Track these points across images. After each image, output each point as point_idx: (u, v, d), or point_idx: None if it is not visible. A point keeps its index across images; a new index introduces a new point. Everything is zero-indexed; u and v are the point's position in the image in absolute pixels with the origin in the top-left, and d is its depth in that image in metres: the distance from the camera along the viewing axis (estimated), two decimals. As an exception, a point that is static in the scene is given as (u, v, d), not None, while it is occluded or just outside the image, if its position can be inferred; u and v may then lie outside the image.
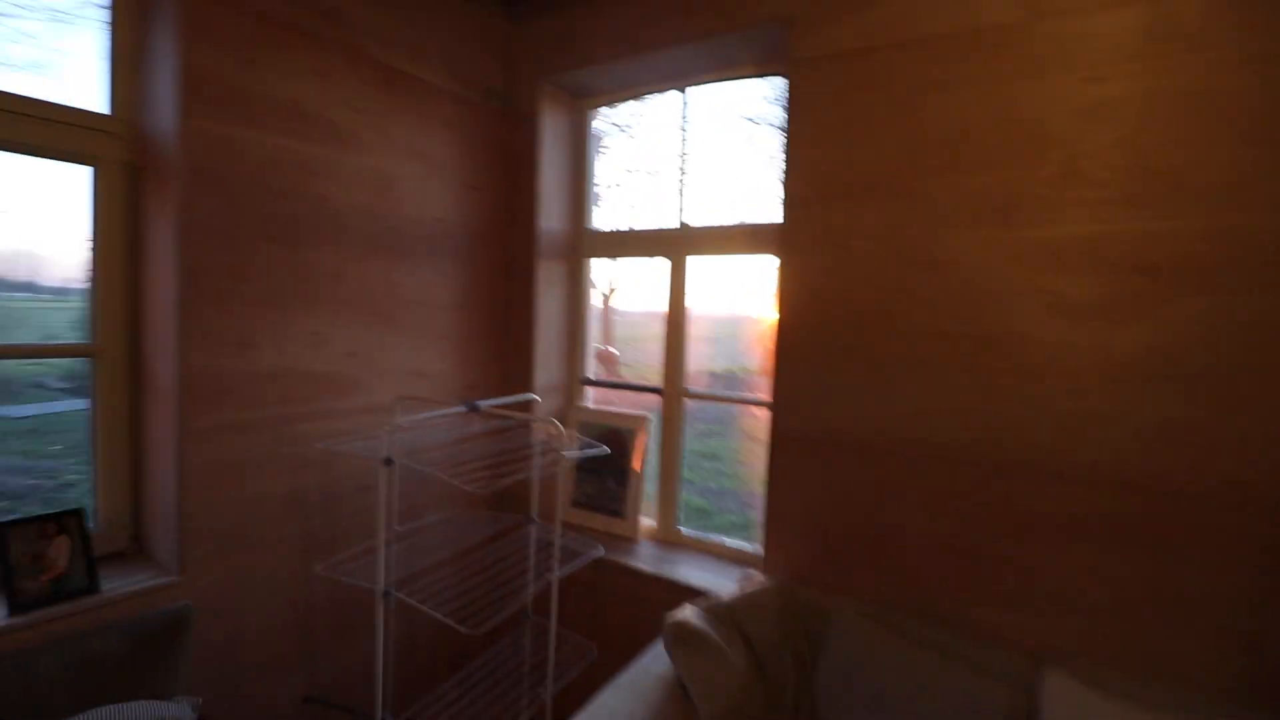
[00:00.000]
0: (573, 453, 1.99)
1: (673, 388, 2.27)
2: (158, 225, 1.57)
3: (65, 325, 1.68)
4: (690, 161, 2.30)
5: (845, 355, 1.72)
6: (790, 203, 1.79)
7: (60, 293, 1.72)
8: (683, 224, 2.26)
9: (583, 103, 2.48)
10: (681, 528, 2.28)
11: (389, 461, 1.53)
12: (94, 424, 1.61)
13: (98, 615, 1.42)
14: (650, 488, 2.33)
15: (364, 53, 1.88)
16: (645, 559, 2.11)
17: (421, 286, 2.10)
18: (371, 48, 1.90)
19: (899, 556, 1.65)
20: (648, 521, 2.33)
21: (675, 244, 2.26)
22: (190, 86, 1.51)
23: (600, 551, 1.88)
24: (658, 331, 2.30)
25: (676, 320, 2.26)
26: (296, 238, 1.75)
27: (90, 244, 1.58)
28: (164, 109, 1.54)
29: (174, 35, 1.50)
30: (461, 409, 1.68)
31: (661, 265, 2.30)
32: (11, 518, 1.40)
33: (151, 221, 1.59)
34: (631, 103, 2.44)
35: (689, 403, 2.28)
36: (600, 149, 2.59)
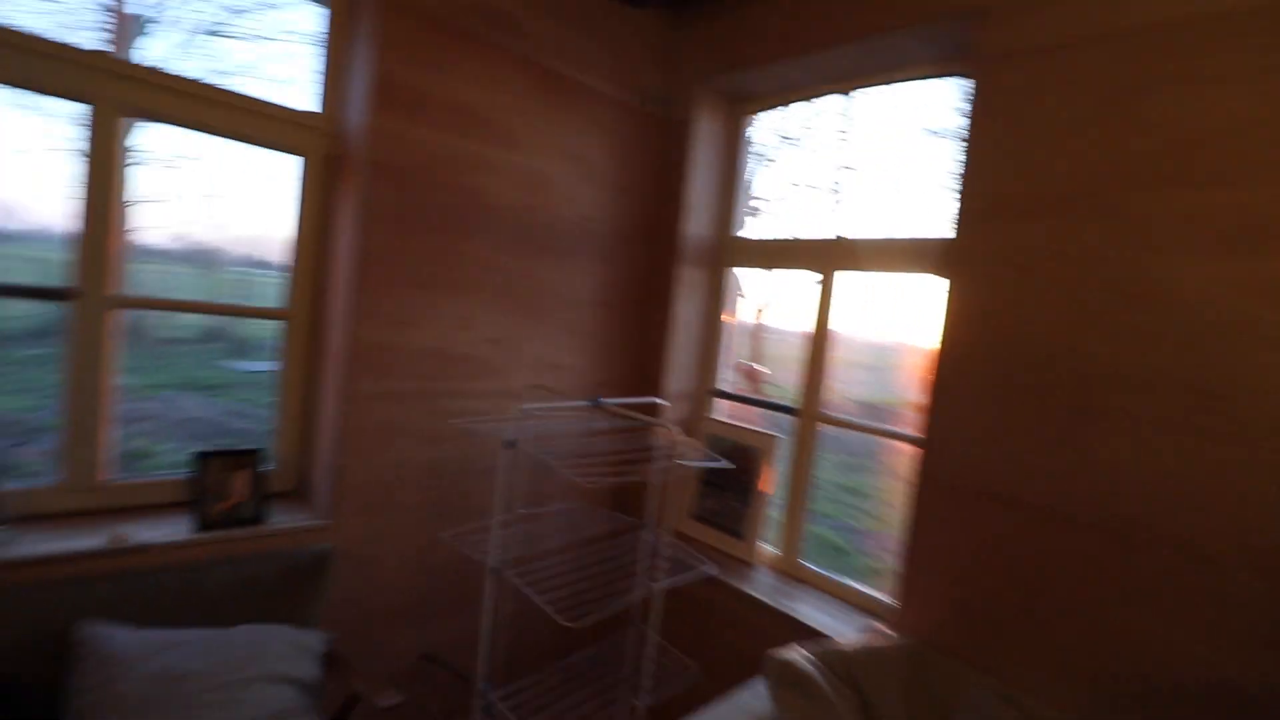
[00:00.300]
0: (692, 462, 1.93)
1: (809, 410, 2.12)
2: (344, 211, 1.78)
3: (276, 297, 1.96)
4: (850, 169, 2.14)
5: (1019, 396, 1.47)
6: (967, 217, 1.58)
7: (273, 271, 2.01)
8: (836, 236, 2.11)
9: (739, 107, 2.42)
10: (806, 561, 2.11)
11: (511, 444, 1.59)
12: (280, 379, 1.86)
13: (260, 543, 1.64)
14: (776, 513, 2.20)
15: (532, 59, 1.99)
16: (761, 587, 1.99)
17: (564, 282, 2.18)
18: (539, 54, 2.01)
19: (1059, 643, 1.37)
20: (769, 548, 2.20)
21: (826, 256, 2.11)
22: (380, 89, 1.70)
23: (711, 570, 1.80)
24: (800, 353, 2.16)
25: (820, 338, 2.11)
26: (455, 228, 1.89)
27: (294, 224, 1.83)
28: (357, 109, 1.74)
29: (371, 45, 1.69)
30: (586, 404, 1.70)
31: (812, 280, 2.16)
32: (210, 449, 1.66)
33: (339, 207, 1.81)
34: (790, 107, 2.34)
35: (830, 431, 2.11)
36: (755, 156, 2.51)
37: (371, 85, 1.69)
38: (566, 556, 1.92)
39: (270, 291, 1.90)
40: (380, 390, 1.79)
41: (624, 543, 2.11)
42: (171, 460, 1.85)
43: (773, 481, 2.17)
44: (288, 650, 1.41)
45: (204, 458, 1.63)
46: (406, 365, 1.84)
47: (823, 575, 2.04)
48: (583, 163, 2.18)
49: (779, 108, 2.36)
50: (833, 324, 2.10)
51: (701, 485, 2.33)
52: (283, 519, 1.71)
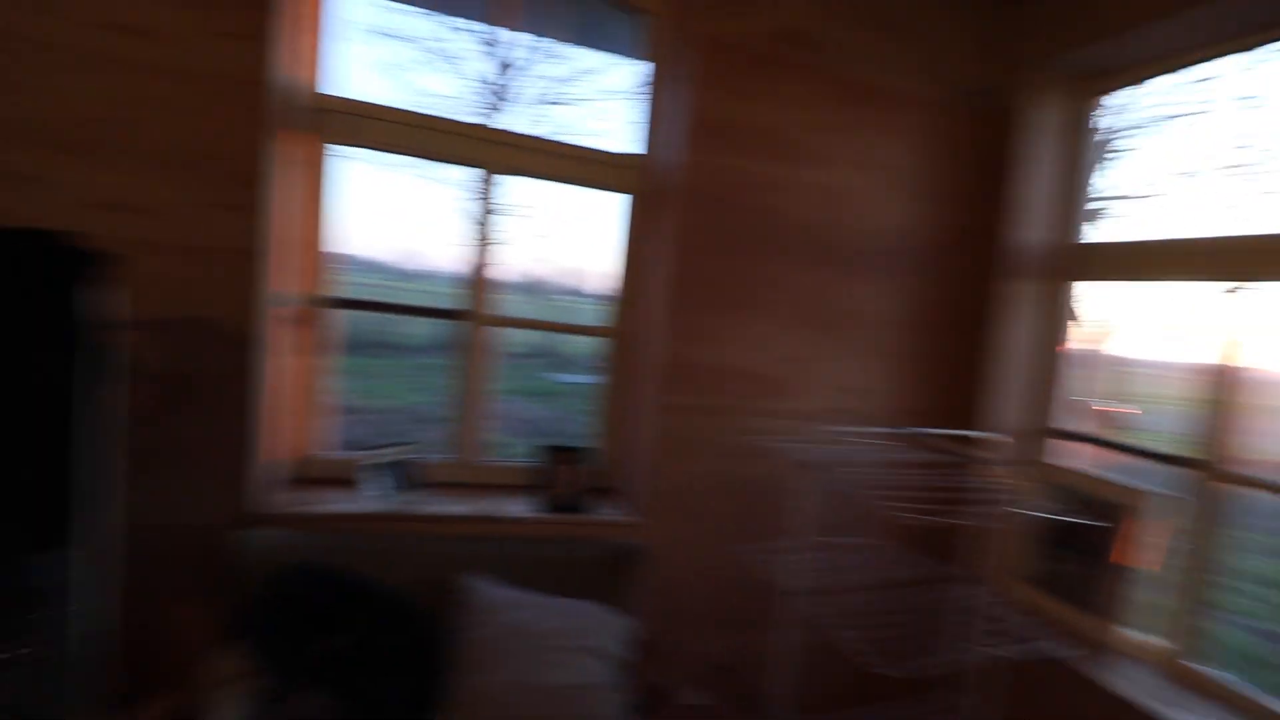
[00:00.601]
0: (1045, 514, 1.60)
1: (1214, 465, 1.60)
2: (660, 239, 1.94)
3: (596, 319, 2.23)
4: (1262, 147, 1.59)
5: None
6: None
7: (592, 296, 2.28)
8: (1245, 233, 1.58)
9: (1086, 88, 2.00)
10: (1203, 666, 1.59)
11: (810, 466, 1.52)
12: (602, 389, 2.08)
13: (583, 530, 1.84)
14: (1154, 594, 1.70)
15: (833, 72, 1.94)
16: (1130, 684, 1.55)
17: (864, 300, 2.05)
18: (841, 66, 1.94)
19: None
20: (1141, 636, 1.71)
21: (1234, 261, 1.59)
22: (695, 125, 1.83)
23: (1064, 650, 1.46)
24: (1188, 392, 1.66)
25: (1227, 369, 1.59)
26: (756, 250, 1.92)
27: (618, 253, 2.04)
28: (675, 146, 1.88)
29: (688, 86, 1.82)
30: (898, 431, 1.54)
31: (1201, 296, 1.65)
32: (550, 444, 1.93)
33: (656, 236, 1.97)
34: (1156, 80, 1.84)
35: (1243, 495, 1.57)
36: (1106, 145, 2.05)
37: (687, 123, 1.83)
38: (867, 597, 1.76)
39: (587, 313, 2.16)
40: (688, 404, 1.89)
41: (935, 594, 1.85)
42: (514, 451, 2.20)
43: (1147, 550, 1.69)
44: (608, 629, 1.55)
45: (546, 451, 1.91)
46: (711, 381, 1.91)
47: (1233, 688, 1.51)
48: (888, 171, 2.03)
49: (1141, 82, 1.89)
50: (1247, 353, 1.57)
51: (1038, 541, 1.93)
52: (603, 512, 1.90)
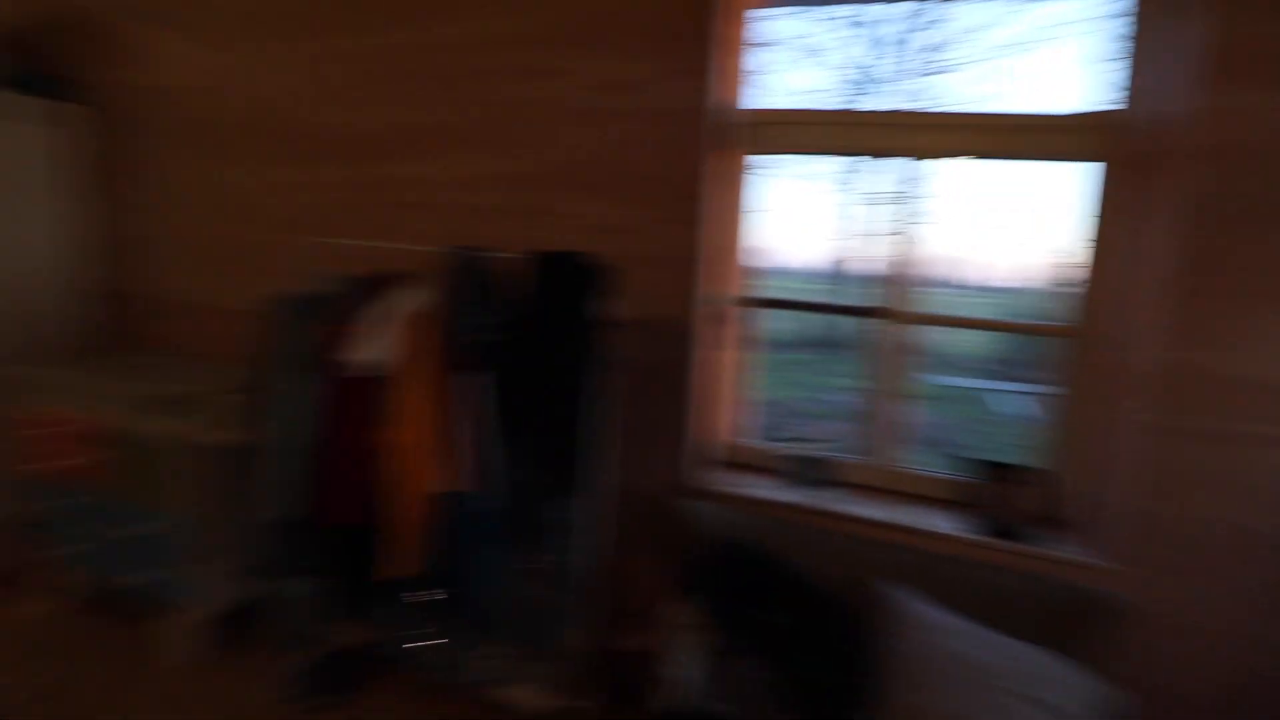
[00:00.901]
0: None
1: None
2: (1148, 214, 1.52)
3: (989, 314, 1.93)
4: None
5: None
6: None
7: (988, 290, 1.95)
8: None
9: None
10: None
11: None
12: (1058, 400, 1.75)
13: (1022, 562, 1.56)
14: None
15: None
16: None
17: None
18: None
19: None
20: None
21: None
22: (1220, 59, 1.37)
23: None
24: None
25: None
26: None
27: (1085, 235, 1.68)
28: (1176, 93, 1.45)
29: (1208, 9, 1.37)
30: None
31: None
32: (988, 459, 1.72)
33: (1140, 211, 1.55)
34: None
35: None
36: None
37: (1203, 58, 1.38)
38: None
39: (984, 307, 1.83)
40: (1194, 427, 1.45)
41: None
42: (911, 459, 2.01)
43: None
44: (1071, 688, 1.29)
45: (979, 465, 1.70)
46: (1235, 399, 1.43)
47: None
48: None
49: None
50: None
51: None
52: (1057, 547, 1.59)
